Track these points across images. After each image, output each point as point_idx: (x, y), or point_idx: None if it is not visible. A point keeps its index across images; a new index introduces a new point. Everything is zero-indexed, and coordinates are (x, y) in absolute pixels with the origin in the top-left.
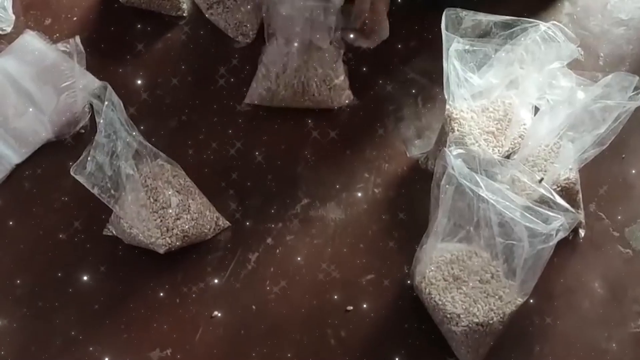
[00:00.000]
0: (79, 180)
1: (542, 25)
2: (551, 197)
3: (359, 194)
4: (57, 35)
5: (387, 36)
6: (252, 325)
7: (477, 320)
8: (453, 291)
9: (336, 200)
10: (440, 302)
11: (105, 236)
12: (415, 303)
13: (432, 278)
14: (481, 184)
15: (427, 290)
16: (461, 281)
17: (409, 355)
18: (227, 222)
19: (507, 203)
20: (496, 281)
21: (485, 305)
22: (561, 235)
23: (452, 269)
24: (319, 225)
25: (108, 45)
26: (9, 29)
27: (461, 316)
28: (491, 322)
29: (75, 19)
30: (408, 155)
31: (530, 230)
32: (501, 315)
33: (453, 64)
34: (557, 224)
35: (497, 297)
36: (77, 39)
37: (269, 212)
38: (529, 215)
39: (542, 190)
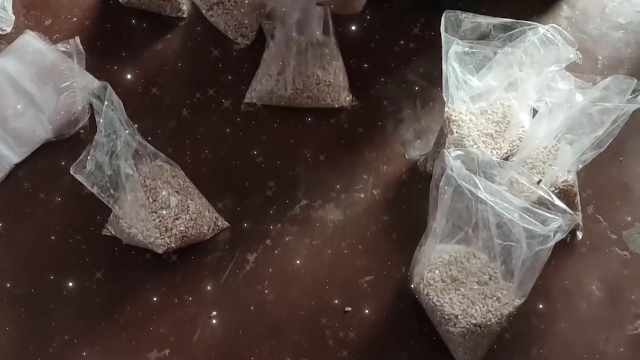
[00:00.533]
0: (79, 179)
1: (541, 28)
2: (549, 198)
3: (358, 195)
4: (57, 35)
5: (357, 11)
6: (250, 326)
7: (475, 321)
8: (451, 292)
9: (335, 202)
10: (438, 303)
11: (103, 236)
12: (415, 304)
13: (430, 279)
14: (480, 185)
15: (425, 291)
16: (459, 282)
17: (409, 357)
18: (226, 222)
19: (506, 204)
20: (494, 283)
21: (483, 307)
22: (559, 236)
23: (450, 270)
24: (317, 227)
25: (108, 45)
26: (8, 29)
27: (459, 317)
28: (489, 323)
29: (75, 19)
30: (407, 157)
31: (528, 232)
32: (499, 317)
33: (452, 66)
34: (555, 225)
35: (495, 298)
36: (77, 39)
37: (268, 213)
38: (527, 217)
39: (540, 192)
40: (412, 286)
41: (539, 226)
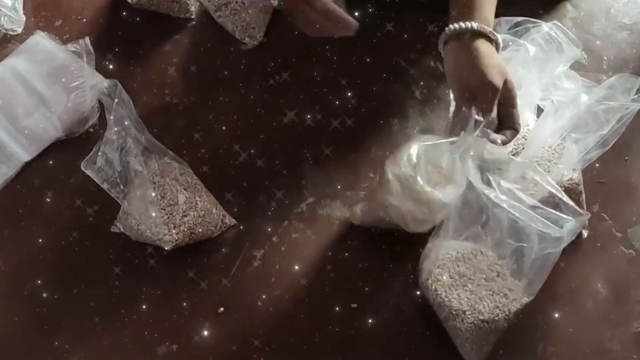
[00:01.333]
0: (89, 174)
1: (545, 26)
2: (563, 198)
3: (364, 193)
4: (67, 36)
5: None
6: (257, 321)
7: (482, 317)
8: (459, 288)
9: (341, 199)
10: (446, 299)
11: (112, 233)
12: (420, 302)
13: (439, 275)
14: (493, 183)
15: (433, 286)
16: (467, 279)
17: (413, 356)
18: (234, 220)
19: (518, 204)
20: (502, 280)
21: (491, 303)
22: (571, 237)
23: (459, 266)
24: (324, 224)
25: (117, 46)
26: (19, 30)
27: (467, 313)
28: (497, 319)
29: (85, 20)
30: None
31: (540, 232)
32: (506, 313)
33: None
34: (570, 227)
35: (502, 295)
36: (87, 39)
37: (274, 210)
38: (540, 217)
39: (554, 191)
40: (420, 282)
41: (552, 227)
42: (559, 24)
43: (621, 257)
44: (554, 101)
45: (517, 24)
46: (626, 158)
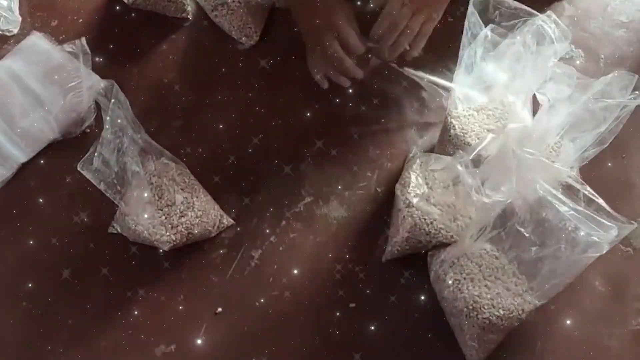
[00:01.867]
0: (86, 175)
1: (538, 20)
2: (604, 206)
3: (362, 193)
4: (64, 36)
5: None
6: (255, 321)
7: (498, 313)
8: (477, 283)
9: (339, 199)
10: (466, 291)
11: (109, 234)
12: (420, 307)
13: (460, 267)
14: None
15: (452, 278)
16: (488, 275)
17: (415, 355)
18: (231, 220)
19: (568, 208)
20: (519, 280)
21: (507, 300)
22: (613, 243)
23: (479, 263)
24: (321, 224)
25: (113, 46)
26: (15, 30)
27: (485, 307)
28: (511, 316)
29: (81, 20)
30: (410, 154)
31: (574, 237)
32: (520, 312)
33: (475, 51)
34: (614, 233)
35: (517, 295)
36: (83, 40)
37: (272, 210)
38: (587, 221)
39: (594, 198)
40: (435, 272)
41: (600, 234)
42: (553, 14)
43: (619, 255)
44: (550, 99)
45: (514, 17)
46: (624, 156)
